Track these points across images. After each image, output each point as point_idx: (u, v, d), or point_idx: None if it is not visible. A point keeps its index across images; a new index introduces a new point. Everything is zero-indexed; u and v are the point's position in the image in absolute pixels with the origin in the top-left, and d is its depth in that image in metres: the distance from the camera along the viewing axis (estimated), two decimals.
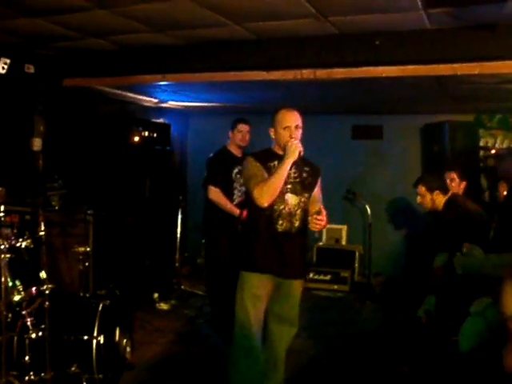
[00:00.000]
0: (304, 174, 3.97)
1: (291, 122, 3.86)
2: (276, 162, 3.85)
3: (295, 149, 3.74)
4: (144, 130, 7.55)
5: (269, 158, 3.92)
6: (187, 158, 9.54)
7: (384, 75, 5.06)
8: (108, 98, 7.41)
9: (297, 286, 4.02)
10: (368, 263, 7.97)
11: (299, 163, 3.87)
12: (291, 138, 3.79)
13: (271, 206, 3.79)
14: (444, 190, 5.20)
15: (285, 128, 3.84)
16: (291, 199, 3.86)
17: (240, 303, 3.89)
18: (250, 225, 3.99)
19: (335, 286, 7.95)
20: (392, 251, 8.33)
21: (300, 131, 3.89)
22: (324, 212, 3.79)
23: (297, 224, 3.89)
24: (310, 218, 3.87)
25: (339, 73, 5.23)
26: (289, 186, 3.86)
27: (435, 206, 5.16)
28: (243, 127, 5.58)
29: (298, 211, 3.90)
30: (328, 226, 8.35)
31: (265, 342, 4.05)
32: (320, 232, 8.68)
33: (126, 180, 7.41)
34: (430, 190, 5.16)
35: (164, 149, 8.14)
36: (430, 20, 4.35)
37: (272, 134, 3.95)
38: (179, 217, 7.56)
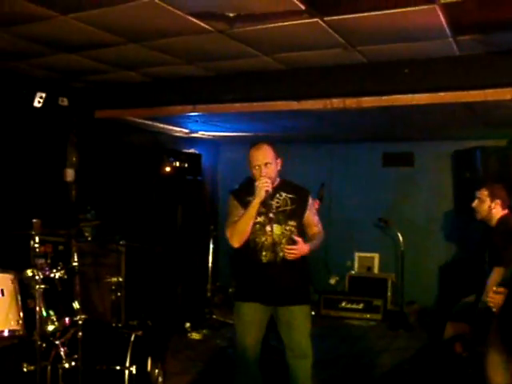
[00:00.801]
0: (288, 202, 3.98)
1: (259, 160, 3.92)
2: (253, 197, 3.88)
3: (261, 188, 3.79)
4: (175, 161, 7.61)
5: (247, 192, 3.97)
6: (218, 187, 9.59)
7: (414, 103, 5.06)
8: (140, 128, 7.52)
9: (297, 313, 4.01)
10: (401, 292, 7.86)
11: (283, 191, 3.98)
12: (260, 176, 3.86)
13: (253, 239, 3.90)
14: (504, 202, 4.89)
15: (254, 167, 3.94)
16: (275, 229, 3.88)
17: (237, 332, 4.10)
18: (238, 257, 4.09)
19: (368, 315, 7.85)
20: (425, 279, 8.22)
21: (271, 166, 3.93)
22: (299, 240, 3.85)
23: (282, 254, 3.90)
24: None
25: (368, 101, 5.24)
26: (271, 216, 3.86)
27: (489, 217, 4.87)
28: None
29: (283, 240, 3.91)
30: (360, 254, 8.50)
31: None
32: (352, 260, 8.63)
33: (158, 210, 7.47)
34: (492, 196, 4.87)
35: (195, 178, 8.20)
36: (459, 47, 4.35)
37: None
38: (211, 246, 7.58)
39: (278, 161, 4.02)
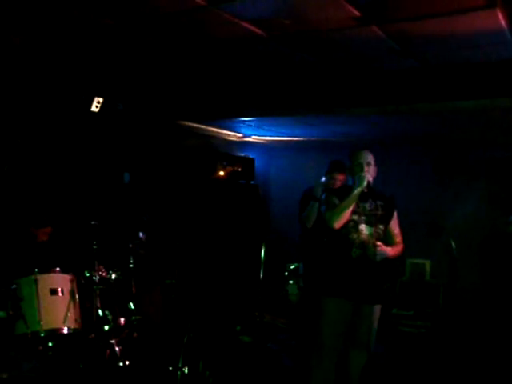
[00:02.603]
0: (379, 208, 4.26)
1: (362, 158, 4.25)
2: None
3: (364, 178, 4.12)
4: (229, 165, 7.69)
5: (344, 192, 4.24)
6: (270, 191, 9.61)
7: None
8: (193, 132, 7.61)
9: (376, 311, 4.27)
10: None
11: (374, 197, 4.25)
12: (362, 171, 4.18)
13: (345, 234, 4.13)
14: None
15: (357, 164, 4.22)
16: (365, 229, 4.17)
17: (321, 328, 4.16)
18: (327, 252, 4.27)
19: (418, 322, 7.75)
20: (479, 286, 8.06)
21: (372, 167, 4.27)
22: (381, 244, 4.13)
23: (370, 253, 4.13)
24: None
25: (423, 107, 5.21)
26: (363, 218, 4.18)
27: None
28: (338, 176, 5.35)
29: (372, 241, 4.15)
30: (412, 260, 8.38)
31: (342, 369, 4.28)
32: (404, 266, 8.53)
33: (212, 213, 7.54)
34: None
35: (248, 183, 8.25)
36: None
37: (348, 171, 4.40)
38: (263, 249, 7.60)
39: (375, 168, 4.31)
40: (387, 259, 4.20)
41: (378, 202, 4.26)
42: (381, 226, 4.23)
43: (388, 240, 4.27)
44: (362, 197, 4.15)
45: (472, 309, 7.85)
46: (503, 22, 3.68)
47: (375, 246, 4.11)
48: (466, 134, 7.43)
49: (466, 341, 6.97)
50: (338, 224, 4.08)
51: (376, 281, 4.19)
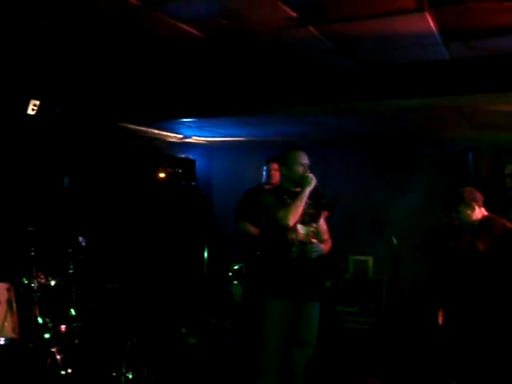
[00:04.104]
0: (310, 206, 4.33)
1: (305, 160, 4.33)
2: (286, 196, 4.26)
3: (312, 179, 4.21)
4: (169, 167, 7.65)
5: (280, 192, 4.31)
6: (212, 192, 9.60)
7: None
8: (135, 134, 7.53)
9: (316, 308, 4.35)
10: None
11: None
12: (306, 173, 4.27)
13: (285, 235, 4.17)
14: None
15: (302, 164, 4.30)
16: (301, 229, 4.25)
17: (264, 331, 4.17)
18: (267, 254, 4.30)
19: (362, 318, 7.88)
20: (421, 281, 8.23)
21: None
22: (316, 241, 4.28)
23: (307, 251, 4.22)
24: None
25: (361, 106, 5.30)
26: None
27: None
28: (275, 166, 5.59)
29: (307, 240, 4.26)
30: (355, 257, 8.51)
31: (286, 366, 4.31)
32: (347, 263, 8.65)
33: (153, 216, 7.48)
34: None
35: (189, 184, 8.22)
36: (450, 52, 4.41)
37: (284, 170, 4.38)
38: (205, 251, 7.58)
39: None
40: (323, 257, 4.32)
41: (309, 201, 4.31)
42: (314, 225, 4.33)
43: (318, 237, 4.37)
44: (295, 197, 4.21)
45: (414, 304, 8.04)
46: (432, 25, 3.79)
47: (311, 244, 4.22)
48: (404, 132, 7.59)
49: (407, 336, 7.13)
50: (293, 222, 4.12)
51: (315, 279, 4.30)
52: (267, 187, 5.74)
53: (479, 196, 4.73)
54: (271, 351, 4.18)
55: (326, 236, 4.46)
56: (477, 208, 4.68)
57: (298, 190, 4.24)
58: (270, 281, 4.20)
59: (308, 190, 4.19)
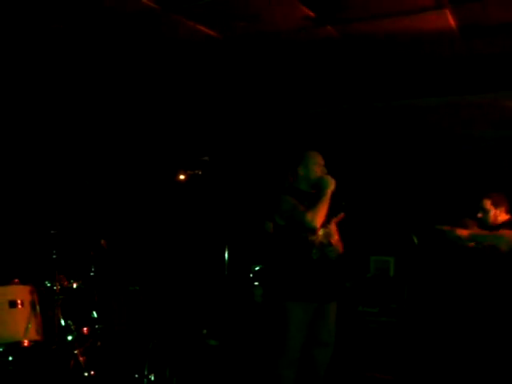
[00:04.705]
0: None
1: (322, 161, 4.33)
2: (304, 198, 4.22)
3: (331, 180, 4.18)
4: (189, 168, 7.64)
5: (299, 194, 4.27)
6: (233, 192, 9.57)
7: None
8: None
9: (334, 308, 4.33)
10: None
11: None
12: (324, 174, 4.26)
13: (305, 236, 4.14)
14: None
15: (320, 165, 4.30)
16: (320, 230, 4.20)
17: (287, 335, 4.11)
18: (288, 256, 4.23)
19: (383, 318, 7.82)
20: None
21: None
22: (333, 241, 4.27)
23: (327, 252, 4.21)
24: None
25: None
26: None
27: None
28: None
29: (325, 240, 4.23)
30: (375, 257, 8.47)
31: (306, 366, 4.29)
32: (368, 263, 8.61)
33: (173, 217, 7.50)
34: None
35: (209, 185, 8.21)
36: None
37: (302, 171, 4.31)
38: (226, 252, 7.58)
39: None
40: (342, 257, 4.32)
41: None
42: (329, 226, 4.29)
43: (331, 238, 4.33)
44: (312, 198, 4.19)
45: (436, 303, 7.97)
46: (452, 22, 3.76)
47: (331, 245, 4.21)
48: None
49: (427, 336, 7.09)
50: (319, 224, 4.10)
51: (335, 279, 4.29)
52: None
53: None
54: (294, 353, 4.15)
55: (336, 237, 4.41)
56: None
57: (313, 191, 4.23)
58: (293, 284, 4.17)
59: (330, 192, 4.17)
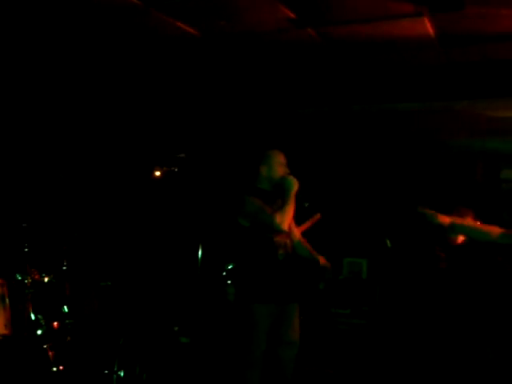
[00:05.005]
0: None
1: (285, 160, 4.23)
2: (268, 199, 4.13)
3: (295, 181, 4.08)
4: (165, 165, 7.63)
5: (262, 195, 4.16)
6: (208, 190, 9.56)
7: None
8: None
9: (297, 308, 4.27)
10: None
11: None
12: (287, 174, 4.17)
13: (271, 238, 4.08)
14: None
15: (283, 164, 4.20)
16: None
17: (251, 339, 4.06)
18: (252, 258, 4.15)
19: (354, 320, 7.89)
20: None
21: None
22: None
23: (289, 252, 4.21)
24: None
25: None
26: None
27: None
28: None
29: (287, 241, 4.19)
30: (348, 259, 8.53)
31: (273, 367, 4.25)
32: (341, 265, 8.67)
33: (147, 214, 7.48)
34: None
35: (184, 182, 8.20)
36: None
37: (264, 171, 4.20)
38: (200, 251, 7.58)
39: None
40: (309, 258, 4.36)
41: None
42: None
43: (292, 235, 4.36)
44: (273, 198, 4.14)
45: (408, 306, 8.05)
46: (430, 30, 3.81)
47: (302, 243, 4.27)
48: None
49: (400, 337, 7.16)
50: (287, 225, 4.04)
51: (298, 279, 4.28)
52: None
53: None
54: (259, 354, 4.09)
55: (298, 234, 4.41)
56: None
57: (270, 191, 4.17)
58: (259, 286, 4.11)
59: (294, 193, 4.08)
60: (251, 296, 4.11)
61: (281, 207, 4.03)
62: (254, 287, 4.12)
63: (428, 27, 3.76)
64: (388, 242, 7.10)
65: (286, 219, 4.00)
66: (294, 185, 4.09)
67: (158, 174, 7.49)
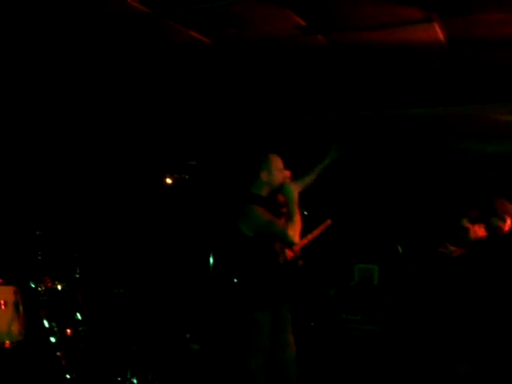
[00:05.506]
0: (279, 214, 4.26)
1: (282, 165, 4.15)
2: (270, 207, 4.09)
3: (293, 189, 4.01)
4: (176, 172, 7.66)
5: (264, 203, 4.09)
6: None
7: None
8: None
9: (288, 310, 4.28)
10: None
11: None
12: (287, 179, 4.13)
13: (273, 246, 4.10)
14: None
15: (281, 170, 4.12)
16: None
17: (256, 347, 4.03)
18: (254, 267, 4.09)
19: (367, 326, 7.88)
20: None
21: None
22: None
23: (287, 258, 4.39)
24: None
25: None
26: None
27: None
28: None
29: (284, 247, 4.31)
30: (360, 265, 8.52)
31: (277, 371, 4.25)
32: (352, 271, 8.66)
33: (159, 221, 7.51)
34: None
35: (195, 190, 8.24)
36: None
37: (265, 177, 4.10)
38: (211, 258, 7.60)
39: None
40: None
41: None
42: None
43: None
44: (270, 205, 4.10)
45: (420, 312, 8.03)
46: (441, 35, 3.81)
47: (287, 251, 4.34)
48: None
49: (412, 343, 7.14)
50: (298, 237, 3.97)
51: (291, 283, 4.35)
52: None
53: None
54: (262, 360, 4.07)
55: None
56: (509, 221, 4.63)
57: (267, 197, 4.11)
58: (262, 294, 4.06)
59: (297, 201, 3.99)
60: (254, 304, 4.05)
61: (290, 219, 3.93)
62: (257, 295, 4.06)
63: (438, 33, 3.76)
64: (399, 247, 7.09)
65: (297, 231, 3.92)
66: (294, 192, 4.00)
67: (169, 181, 7.54)
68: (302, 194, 4.17)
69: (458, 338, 4.85)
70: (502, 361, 4.32)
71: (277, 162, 4.13)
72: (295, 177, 4.36)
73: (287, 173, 4.15)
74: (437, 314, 6.90)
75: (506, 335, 4.37)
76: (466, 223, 4.97)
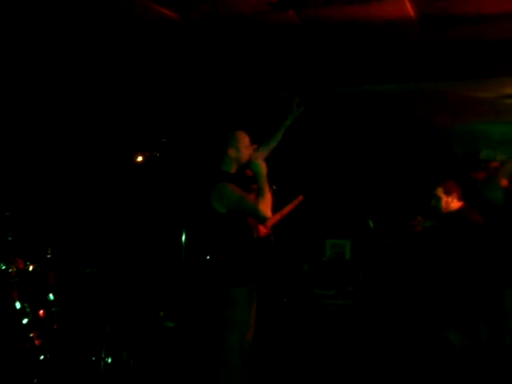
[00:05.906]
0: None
1: (249, 142, 4.14)
2: (240, 183, 4.08)
3: (263, 166, 4.01)
4: (147, 150, 7.62)
5: (234, 179, 4.09)
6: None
7: None
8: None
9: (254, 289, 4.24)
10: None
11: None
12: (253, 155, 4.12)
13: (245, 221, 4.09)
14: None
15: (248, 147, 4.11)
16: None
17: (237, 324, 4.00)
18: (229, 243, 4.09)
19: (340, 301, 7.97)
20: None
21: None
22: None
23: (259, 234, 4.49)
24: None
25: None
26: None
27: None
28: None
29: (256, 222, 4.40)
30: (332, 240, 8.60)
31: None
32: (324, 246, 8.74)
33: (130, 199, 7.47)
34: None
35: (167, 167, 8.20)
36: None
37: (233, 153, 4.09)
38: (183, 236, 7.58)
39: None
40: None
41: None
42: None
43: None
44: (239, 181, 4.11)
45: (392, 286, 8.15)
46: (411, 11, 3.82)
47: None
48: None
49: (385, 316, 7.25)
50: (270, 212, 3.98)
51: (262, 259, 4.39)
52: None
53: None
54: (239, 337, 4.01)
55: None
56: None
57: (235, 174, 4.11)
58: (238, 269, 4.05)
59: (265, 176, 4.00)
60: (230, 280, 4.04)
61: (261, 194, 3.95)
62: (233, 271, 4.06)
63: (408, 8, 3.76)
64: (370, 222, 7.16)
65: (268, 206, 3.94)
66: (264, 168, 4.01)
67: (139, 159, 7.49)
68: (270, 170, 4.15)
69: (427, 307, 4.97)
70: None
71: (243, 139, 4.12)
72: (260, 142, 4.37)
73: (254, 147, 4.15)
74: (408, 287, 7.03)
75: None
76: (439, 192, 5.07)
